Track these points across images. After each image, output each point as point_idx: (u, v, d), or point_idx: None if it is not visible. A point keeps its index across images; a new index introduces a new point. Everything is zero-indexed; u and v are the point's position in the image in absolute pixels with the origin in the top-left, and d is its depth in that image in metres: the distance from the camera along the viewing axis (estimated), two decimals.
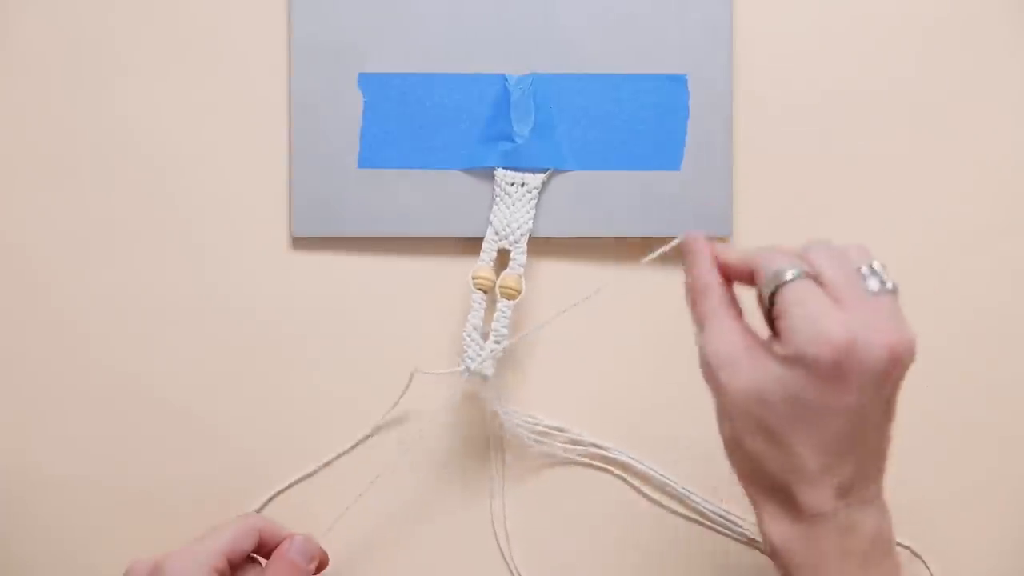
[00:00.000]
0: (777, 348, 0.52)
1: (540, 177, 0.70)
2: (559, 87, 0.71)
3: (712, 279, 0.56)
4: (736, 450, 0.55)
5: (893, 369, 0.52)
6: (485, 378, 0.69)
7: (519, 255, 0.70)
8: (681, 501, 0.72)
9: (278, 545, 0.66)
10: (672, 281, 0.72)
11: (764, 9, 0.72)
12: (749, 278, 0.55)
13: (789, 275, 0.53)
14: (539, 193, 0.70)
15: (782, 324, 0.52)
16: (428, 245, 0.72)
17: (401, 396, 0.70)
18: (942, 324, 0.72)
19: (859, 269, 0.54)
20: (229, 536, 0.64)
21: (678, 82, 0.71)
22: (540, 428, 0.71)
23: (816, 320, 0.51)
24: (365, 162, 0.71)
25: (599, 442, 0.71)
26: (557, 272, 0.72)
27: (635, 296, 0.72)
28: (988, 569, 0.72)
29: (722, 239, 0.72)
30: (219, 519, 0.71)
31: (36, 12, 0.71)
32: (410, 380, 0.69)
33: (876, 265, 0.54)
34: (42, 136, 0.72)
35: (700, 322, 0.55)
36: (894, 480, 0.72)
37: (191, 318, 0.72)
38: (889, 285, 0.54)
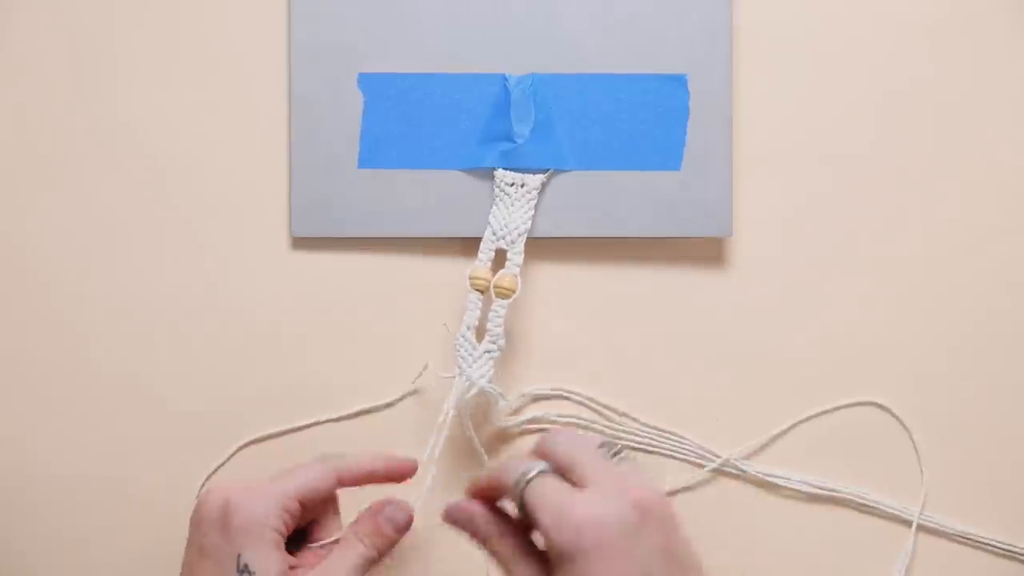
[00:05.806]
0: (541, 546, 0.54)
1: (539, 178, 0.70)
2: (559, 87, 0.71)
3: (492, 530, 0.57)
4: None
5: (644, 523, 0.52)
6: (479, 380, 0.68)
7: (515, 255, 0.70)
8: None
9: (361, 483, 0.64)
10: (670, 279, 0.72)
11: (764, 9, 0.72)
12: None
13: (529, 475, 0.55)
14: (538, 194, 0.70)
15: (535, 523, 0.54)
16: (428, 245, 0.72)
17: (401, 397, 0.70)
18: (946, 324, 0.72)
19: (598, 445, 0.56)
20: (303, 478, 0.62)
21: (678, 82, 0.71)
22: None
23: (557, 509, 0.53)
24: (365, 162, 0.71)
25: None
26: (557, 272, 0.72)
27: (633, 295, 0.72)
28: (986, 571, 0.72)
29: (722, 239, 0.72)
30: None
31: (36, 12, 0.71)
32: (419, 375, 0.70)
33: (609, 441, 0.58)
34: (42, 136, 0.72)
35: (506, 568, 0.57)
36: (895, 479, 0.72)
37: (191, 318, 0.72)
38: (625, 454, 0.57)
